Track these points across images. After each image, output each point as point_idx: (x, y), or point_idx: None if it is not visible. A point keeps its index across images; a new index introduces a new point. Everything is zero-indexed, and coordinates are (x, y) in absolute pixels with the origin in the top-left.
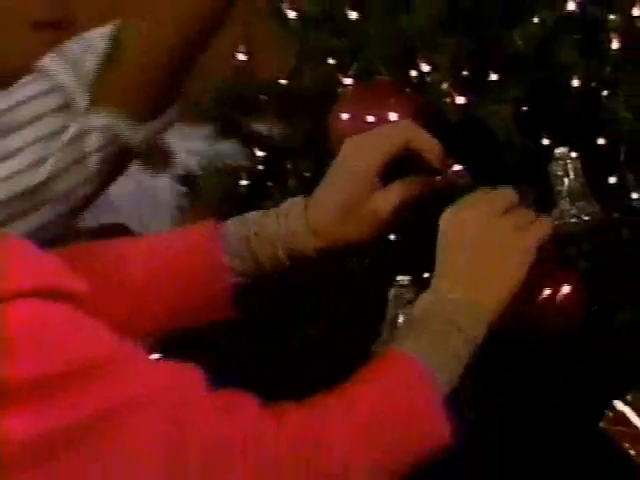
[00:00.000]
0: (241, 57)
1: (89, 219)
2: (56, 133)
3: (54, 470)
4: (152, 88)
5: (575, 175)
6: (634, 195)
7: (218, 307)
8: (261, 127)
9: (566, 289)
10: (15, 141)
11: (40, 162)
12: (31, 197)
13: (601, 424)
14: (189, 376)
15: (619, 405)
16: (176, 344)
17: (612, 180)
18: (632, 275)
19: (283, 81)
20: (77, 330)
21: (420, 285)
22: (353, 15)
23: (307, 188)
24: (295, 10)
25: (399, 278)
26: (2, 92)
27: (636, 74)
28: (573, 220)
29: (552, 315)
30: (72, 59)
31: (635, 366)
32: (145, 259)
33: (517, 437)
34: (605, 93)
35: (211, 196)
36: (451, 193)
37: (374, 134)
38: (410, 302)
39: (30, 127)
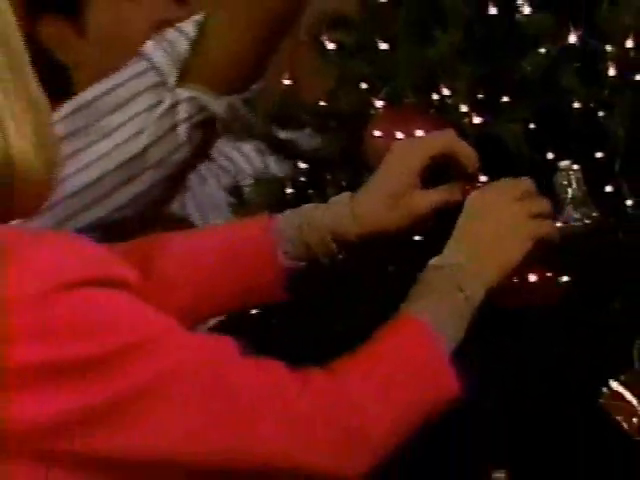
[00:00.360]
0: (287, 82)
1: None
2: (152, 107)
3: (116, 432)
4: (233, 68)
5: (577, 184)
6: (628, 202)
7: (272, 290)
8: (303, 142)
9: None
10: (116, 118)
11: (138, 134)
12: (131, 166)
13: (600, 400)
14: (226, 342)
15: (614, 384)
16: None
17: (609, 189)
18: (626, 271)
19: (323, 103)
20: (128, 311)
21: None
22: (383, 46)
23: None
24: (333, 42)
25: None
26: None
27: (629, 97)
28: (577, 223)
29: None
30: (167, 44)
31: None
32: (206, 247)
33: (517, 403)
34: (602, 113)
35: (260, 203)
36: None
37: (420, 139)
38: None
39: (129, 105)
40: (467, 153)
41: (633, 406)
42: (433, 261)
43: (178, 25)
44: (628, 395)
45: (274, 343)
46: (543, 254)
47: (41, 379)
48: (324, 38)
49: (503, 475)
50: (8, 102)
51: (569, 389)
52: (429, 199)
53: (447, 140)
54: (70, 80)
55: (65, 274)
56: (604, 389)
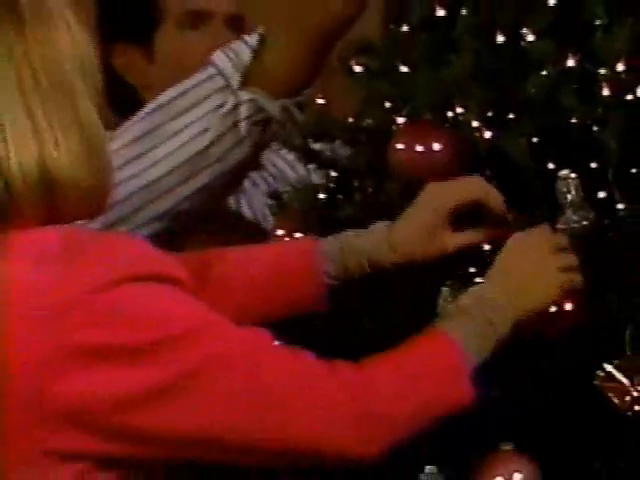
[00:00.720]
0: (320, 101)
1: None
2: (217, 108)
3: (163, 413)
4: (288, 75)
5: (575, 191)
6: (620, 206)
7: (312, 303)
8: (334, 154)
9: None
10: (186, 118)
11: (204, 132)
12: (197, 160)
13: (595, 382)
14: (263, 333)
15: (608, 367)
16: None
17: (602, 194)
18: (618, 268)
19: (351, 119)
20: (177, 302)
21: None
22: (404, 69)
23: (369, 201)
24: (360, 65)
25: (448, 282)
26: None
27: (621, 115)
28: (576, 225)
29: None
30: (232, 53)
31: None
32: (260, 260)
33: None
34: (597, 129)
35: (296, 207)
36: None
37: (453, 184)
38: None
39: (198, 106)
40: (496, 200)
41: (624, 386)
42: (473, 290)
43: (243, 36)
44: (620, 376)
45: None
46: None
47: (100, 361)
48: (352, 62)
49: (510, 447)
50: (52, 117)
51: (569, 371)
52: (457, 240)
53: (478, 188)
54: (139, 100)
55: (115, 271)
56: (599, 372)
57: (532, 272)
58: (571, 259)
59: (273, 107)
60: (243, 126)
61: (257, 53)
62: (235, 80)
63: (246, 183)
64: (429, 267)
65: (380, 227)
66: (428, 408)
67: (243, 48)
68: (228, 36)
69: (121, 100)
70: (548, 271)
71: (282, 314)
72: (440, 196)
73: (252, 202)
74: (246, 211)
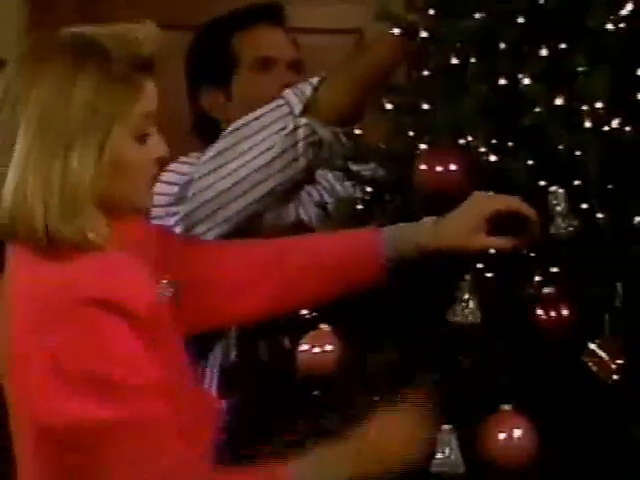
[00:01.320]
0: (358, 131)
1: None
2: (280, 130)
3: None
4: (339, 108)
5: (563, 203)
6: (599, 215)
7: (375, 281)
8: (369, 173)
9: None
10: (257, 138)
11: (269, 149)
12: (262, 171)
13: (582, 357)
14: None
15: (592, 345)
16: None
17: (585, 206)
18: (597, 263)
19: (383, 145)
20: (101, 341)
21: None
22: (425, 106)
23: (398, 212)
24: (390, 103)
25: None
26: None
27: (600, 143)
28: (563, 231)
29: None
30: (298, 89)
31: None
32: (328, 245)
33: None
34: (580, 153)
35: (338, 216)
36: None
37: (495, 195)
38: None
39: (266, 128)
40: (531, 215)
41: (605, 360)
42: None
43: (309, 79)
44: (601, 353)
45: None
46: None
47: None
48: (384, 100)
49: (510, 408)
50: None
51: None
52: (489, 242)
53: (514, 201)
54: (221, 130)
55: (86, 291)
56: (585, 349)
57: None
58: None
59: (325, 132)
60: (300, 145)
61: (316, 89)
62: (297, 108)
63: (302, 194)
64: (451, 262)
65: (428, 220)
66: None
67: (307, 86)
68: (290, 77)
69: (207, 131)
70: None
71: (346, 292)
72: (481, 203)
73: (307, 210)
74: (303, 216)
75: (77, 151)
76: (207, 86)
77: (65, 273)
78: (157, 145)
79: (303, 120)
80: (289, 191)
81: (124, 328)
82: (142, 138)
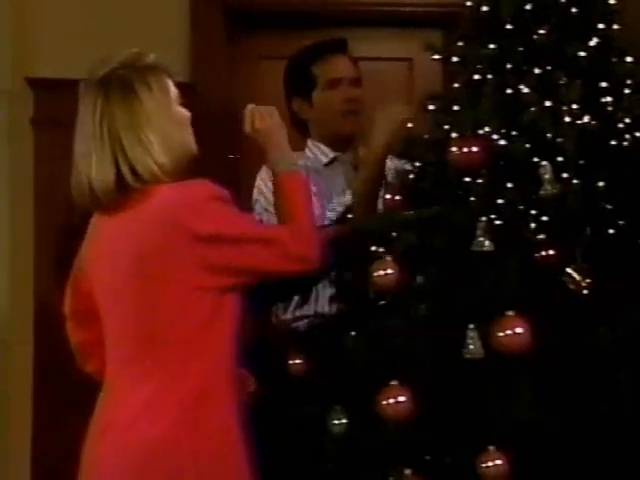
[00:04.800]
0: (409, 125)
1: None
2: None
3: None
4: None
5: (550, 173)
6: (574, 181)
7: None
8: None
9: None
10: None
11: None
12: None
13: (562, 278)
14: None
15: (568, 269)
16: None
17: (565, 175)
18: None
19: (426, 135)
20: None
21: None
22: (456, 107)
23: (436, 177)
24: (431, 105)
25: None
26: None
27: (575, 132)
28: (550, 192)
29: None
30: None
31: None
32: None
33: None
34: (561, 140)
35: (397, 183)
36: None
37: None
38: None
39: None
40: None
41: (577, 280)
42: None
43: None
44: (575, 274)
45: None
46: None
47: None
48: (427, 104)
49: (513, 313)
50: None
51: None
52: None
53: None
54: (307, 127)
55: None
56: (564, 272)
57: None
58: None
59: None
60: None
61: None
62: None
63: None
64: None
65: None
66: None
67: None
68: (351, 92)
69: (299, 127)
70: None
71: None
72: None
73: None
74: None
75: None
76: (296, 97)
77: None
78: None
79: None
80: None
81: None
82: None
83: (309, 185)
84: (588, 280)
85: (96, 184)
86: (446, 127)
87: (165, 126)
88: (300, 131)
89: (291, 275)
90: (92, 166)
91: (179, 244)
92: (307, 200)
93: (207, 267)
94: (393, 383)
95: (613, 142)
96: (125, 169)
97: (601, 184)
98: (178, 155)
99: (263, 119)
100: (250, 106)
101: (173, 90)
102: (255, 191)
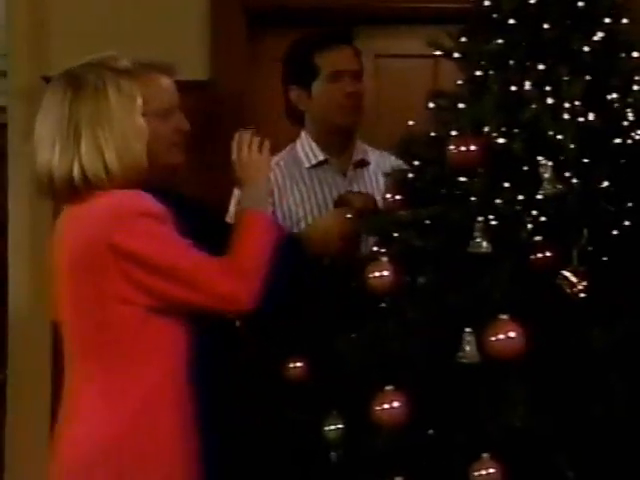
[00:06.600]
0: (411, 122)
1: None
2: None
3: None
4: None
5: (550, 172)
6: (574, 180)
7: None
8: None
9: None
10: None
11: None
12: None
13: (557, 281)
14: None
15: (564, 272)
16: None
17: (568, 174)
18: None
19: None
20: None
21: None
22: (461, 105)
23: (435, 175)
24: (434, 103)
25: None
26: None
27: (575, 130)
28: (549, 192)
29: None
30: None
31: None
32: None
33: None
34: (561, 137)
35: (395, 180)
36: None
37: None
38: None
39: None
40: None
41: (573, 283)
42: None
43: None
44: (571, 277)
45: None
46: None
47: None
48: (430, 101)
49: (507, 316)
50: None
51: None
52: None
53: None
54: (303, 117)
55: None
56: (559, 275)
57: None
58: None
59: None
60: None
61: None
62: None
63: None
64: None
65: None
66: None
67: None
68: (353, 86)
69: (294, 117)
70: None
71: None
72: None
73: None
74: None
75: None
76: (295, 85)
77: None
78: None
79: None
80: None
81: None
82: None
83: (271, 228)
84: (584, 283)
85: (57, 173)
86: (447, 125)
87: (125, 132)
88: (295, 121)
89: (218, 313)
90: (55, 155)
91: (102, 252)
92: (261, 240)
93: (131, 282)
94: (388, 388)
95: (617, 140)
96: (77, 171)
97: (605, 184)
98: (130, 164)
99: (250, 151)
100: (242, 132)
101: (140, 100)
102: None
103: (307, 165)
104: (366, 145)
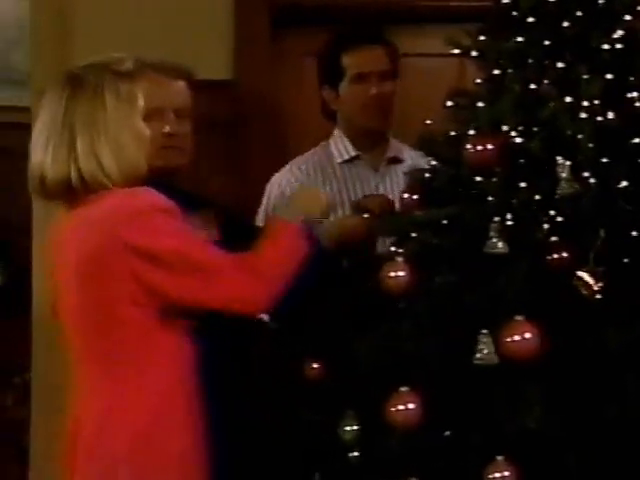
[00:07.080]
0: (428, 121)
1: None
2: None
3: None
4: None
5: (567, 171)
6: (592, 180)
7: None
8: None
9: None
10: None
11: None
12: None
13: (573, 281)
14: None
15: (580, 273)
16: None
17: (586, 174)
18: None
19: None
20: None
21: None
22: (480, 104)
23: (451, 174)
24: (453, 102)
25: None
26: None
27: (592, 128)
28: (567, 191)
29: None
30: None
31: None
32: None
33: None
34: (581, 136)
35: (412, 179)
36: None
37: None
38: None
39: None
40: None
41: (589, 284)
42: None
43: None
44: (587, 278)
45: None
46: None
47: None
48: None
49: (522, 318)
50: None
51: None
52: None
53: None
54: (335, 113)
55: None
56: (576, 276)
57: None
58: None
59: None
60: None
61: None
62: None
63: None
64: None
65: None
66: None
67: None
68: (381, 86)
69: (328, 115)
70: None
71: None
72: None
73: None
74: None
75: None
76: (326, 85)
77: None
78: None
79: None
80: None
81: None
82: None
83: (301, 241)
84: (600, 284)
85: (50, 175)
86: (466, 123)
87: (121, 137)
88: (329, 119)
89: (227, 310)
90: (48, 156)
91: (113, 253)
92: (287, 247)
93: (143, 282)
94: (403, 389)
95: (636, 140)
96: (74, 174)
97: (624, 184)
98: (126, 169)
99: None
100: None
101: (141, 103)
102: (275, 189)
103: (339, 160)
104: (401, 144)
